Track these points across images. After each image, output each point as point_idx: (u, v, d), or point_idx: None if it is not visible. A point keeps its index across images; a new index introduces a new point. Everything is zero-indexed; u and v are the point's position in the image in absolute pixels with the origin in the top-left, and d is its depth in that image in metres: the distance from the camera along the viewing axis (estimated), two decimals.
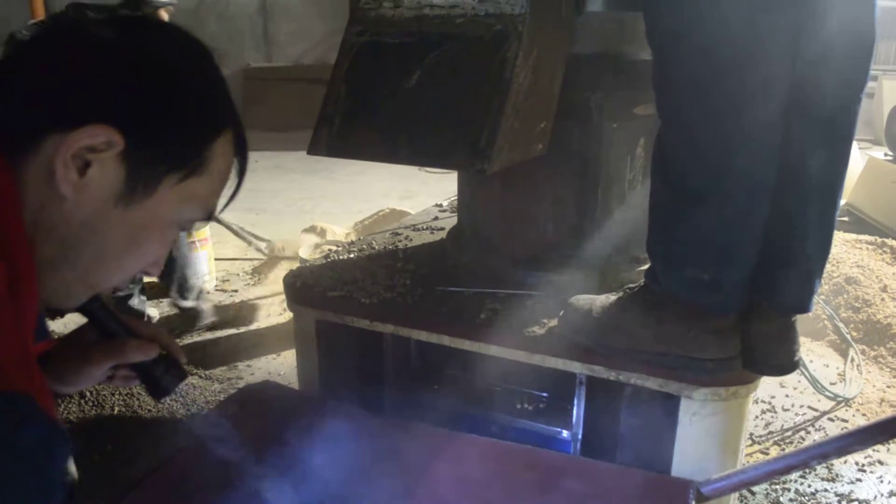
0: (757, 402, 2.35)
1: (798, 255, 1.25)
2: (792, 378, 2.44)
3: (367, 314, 1.52)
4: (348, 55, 1.40)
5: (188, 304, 2.94)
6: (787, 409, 2.35)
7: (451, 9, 1.33)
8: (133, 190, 0.70)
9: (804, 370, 2.29)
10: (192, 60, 0.75)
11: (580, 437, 1.45)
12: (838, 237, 3.29)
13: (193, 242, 3.16)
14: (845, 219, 4.27)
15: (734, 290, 1.23)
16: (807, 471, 2.00)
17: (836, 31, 1.12)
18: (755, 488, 1.91)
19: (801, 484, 1.97)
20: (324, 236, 3.85)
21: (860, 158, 4.46)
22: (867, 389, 2.49)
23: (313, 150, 1.39)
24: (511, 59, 1.25)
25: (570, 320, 1.37)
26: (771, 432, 2.22)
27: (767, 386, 2.44)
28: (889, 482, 1.99)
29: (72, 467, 0.63)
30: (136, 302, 2.95)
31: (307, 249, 3.35)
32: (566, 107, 1.44)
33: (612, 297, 1.36)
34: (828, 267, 2.44)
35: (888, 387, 2.52)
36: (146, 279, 2.92)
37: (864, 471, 2.04)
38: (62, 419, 2.11)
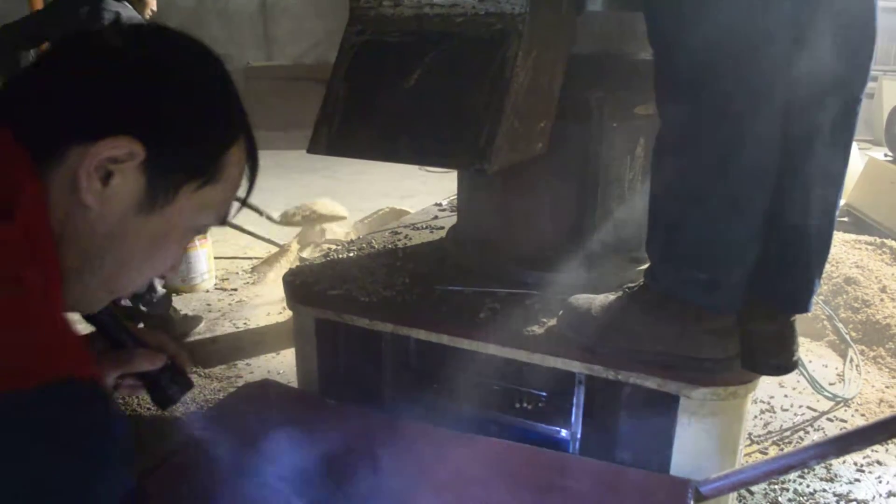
0: (756, 402, 2.35)
1: (797, 256, 1.26)
2: (791, 378, 2.44)
3: (367, 313, 1.52)
4: (348, 54, 1.40)
5: (153, 311, 2.74)
6: (786, 409, 2.35)
7: (450, 8, 1.33)
8: (153, 199, 0.71)
9: (803, 370, 2.29)
10: (207, 70, 0.76)
11: (579, 436, 1.45)
12: (838, 237, 3.28)
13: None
14: (845, 219, 4.26)
15: (733, 291, 1.23)
16: (805, 471, 2.00)
17: (836, 30, 1.12)
18: (754, 488, 1.91)
19: (800, 484, 1.97)
20: (323, 235, 3.85)
21: (860, 159, 4.45)
22: (866, 390, 2.49)
23: (313, 148, 1.39)
24: (511, 59, 1.25)
25: (569, 320, 1.37)
26: (770, 432, 2.22)
27: (766, 386, 2.44)
28: (888, 482, 1.99)
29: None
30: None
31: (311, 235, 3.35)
32: (566, 106, 1.44)
33: (612, 297, 1.36)
34: (827, 267, 2.44)
35: (887, 387, 2.52)
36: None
37: (863, 471, 2.04)
38: None
